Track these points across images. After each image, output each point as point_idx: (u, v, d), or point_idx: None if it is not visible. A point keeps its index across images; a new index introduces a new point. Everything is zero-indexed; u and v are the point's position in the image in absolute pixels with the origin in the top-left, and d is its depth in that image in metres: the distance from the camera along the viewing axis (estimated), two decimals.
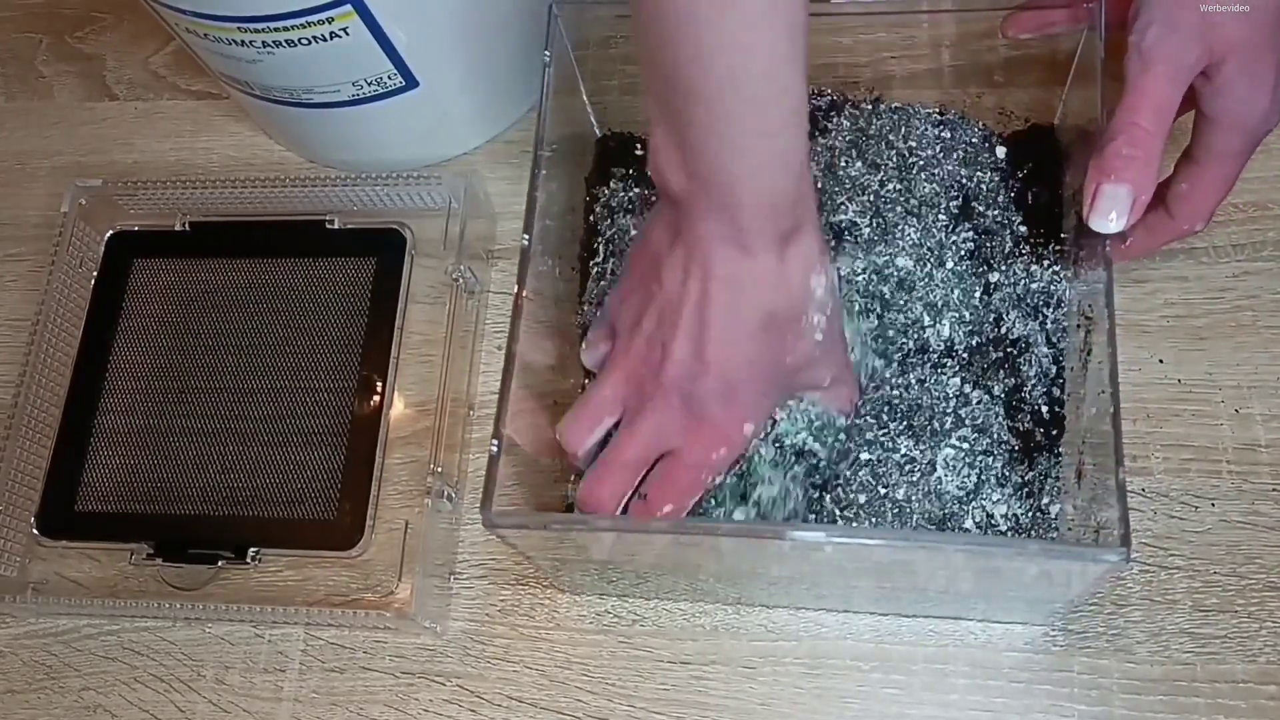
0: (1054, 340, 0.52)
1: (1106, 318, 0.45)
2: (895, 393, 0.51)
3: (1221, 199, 0.50)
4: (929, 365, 0.52)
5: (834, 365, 0.49)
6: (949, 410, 0.51)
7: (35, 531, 0.60)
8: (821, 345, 0.47)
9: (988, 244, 0.54)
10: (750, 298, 0.45)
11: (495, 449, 0.46)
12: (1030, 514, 0.50)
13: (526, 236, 0.50)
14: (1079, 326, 0.51)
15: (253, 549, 0.58)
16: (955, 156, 0.55)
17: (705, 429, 0.47)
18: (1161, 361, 0.55)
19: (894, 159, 0.55)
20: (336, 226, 0.63)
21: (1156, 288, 0.56)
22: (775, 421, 0.49)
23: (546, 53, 0.53)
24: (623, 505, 0.48)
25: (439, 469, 0.55)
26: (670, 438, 0.48)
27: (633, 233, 0.58)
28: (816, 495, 0.50)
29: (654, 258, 0.47)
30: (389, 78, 0.59)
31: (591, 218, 0.59)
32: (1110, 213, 0.46)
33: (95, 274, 0.64)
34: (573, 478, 0.52)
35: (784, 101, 0.41)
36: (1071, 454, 0.50)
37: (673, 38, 0.40)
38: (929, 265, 0.53)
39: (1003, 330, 0.52)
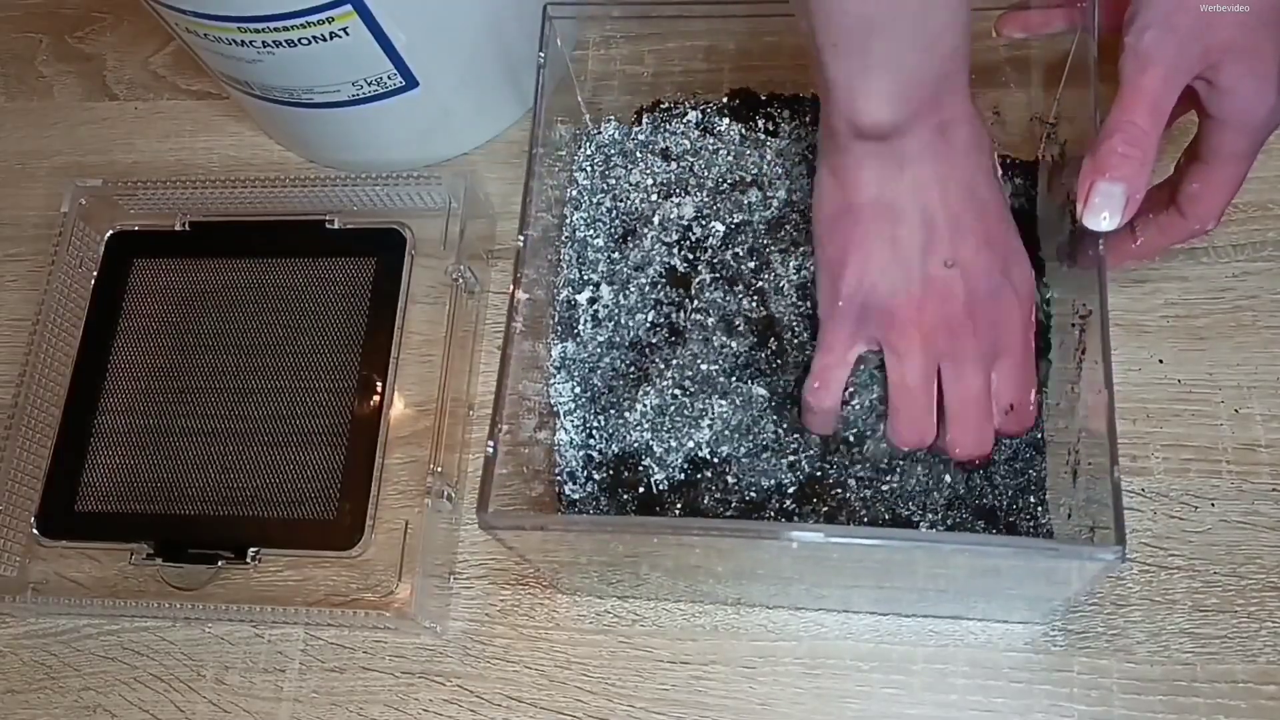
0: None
1: (1100, 317, 0.45)
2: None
3: (1232, 197, 0.50)
4: None
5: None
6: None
7: (35, 531, 0.60)
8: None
9: None
10: (977, 159, 0.47)
11: (491, 449, 0.46)
12: (1028, 513, 0.50)
13: (522, 237, 0.50)
14: (1074, 326, 0.51)
15: (253, 549, 0.58)
16: None
17: (1019, 306, 0.48)
18: (1161, 361, 0.55)
19: None
20: (336, 226, 0.63)
21: (1156, 288, 0.56)
22: None
23: (541, 54, 0.53)
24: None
25: (439, 469, 0.55)
26: (994, 352, 0.48)
27: None
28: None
29: (878, 204, 0.47)
30: (389, 78, 0.59)
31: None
32: (1104, 210, 0.46)
33: (95, 274, 0.64)
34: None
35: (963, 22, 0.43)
36: (1068, 453, 0.50)
37: None
38: None
39: None
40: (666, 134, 0.58)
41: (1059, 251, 0.53)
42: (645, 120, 0.59)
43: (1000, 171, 0.50)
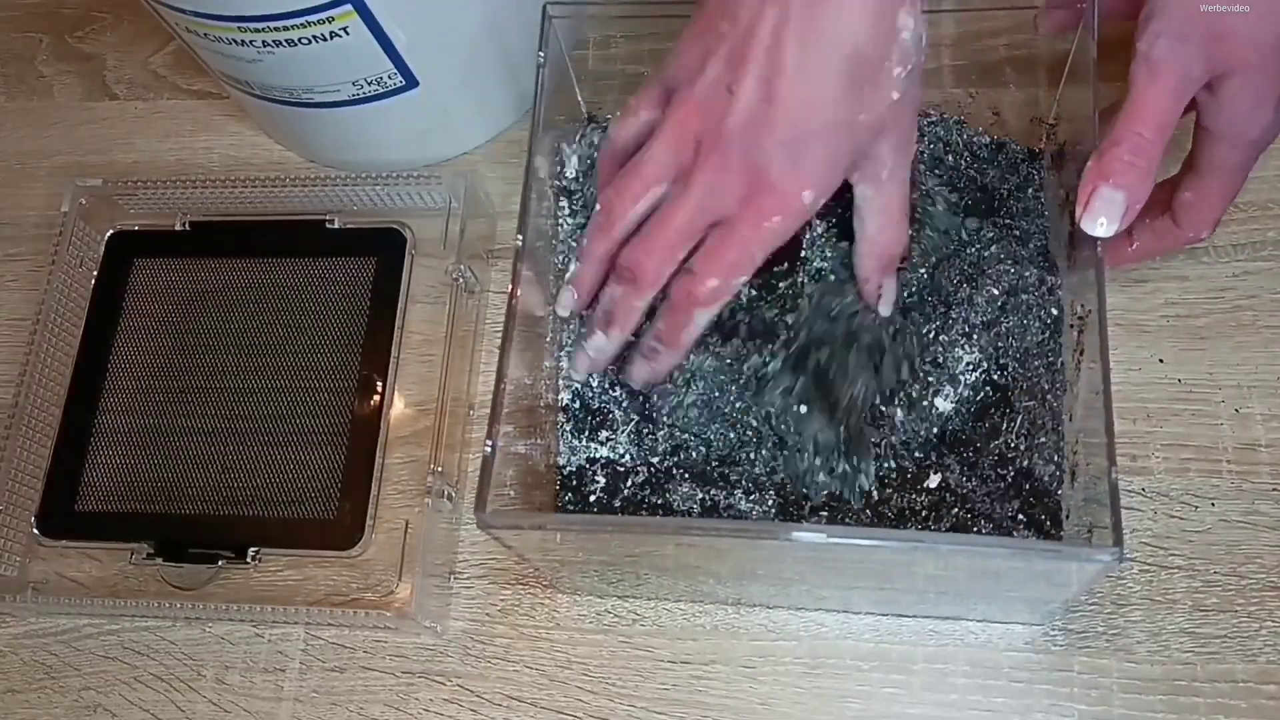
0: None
1: (1098, 318, 0.45)
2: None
3: (1225, 208, 0.50)
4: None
5: (899, 147, 0.45)
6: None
7: (35, 531, 0.60)
8: (896, 108, 0.43)
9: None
10: (834, 26, 0.41)
11: (489, 449, 0.46)
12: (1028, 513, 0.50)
13: (520, 238, 0.50)
14: (1072, 326, 0.51)
15: (253, 549, 0.58)
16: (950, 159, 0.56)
17: (763, 191, 0.43)
18: (1161, 361, 0.55)
19: None
20: (336, 226, 0.63)
21: (1156, 288, 0.56)
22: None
23: (541, 54, 0.53)
24: (667, 279, 0.45)
25: (439, 469, 0.55)
26: (724, 202, 0.44)
27: None
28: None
29: (713, 9, 0.43)
30: (389, 78, 0.59)
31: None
32: (1102, 216, 0.46)
33: (95, 274, 0.64)
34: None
35: None
36: (1066, 453, 0.50)
37: None
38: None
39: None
40: None
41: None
42: None
43: (894, 84, 0.42)
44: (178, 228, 0.65)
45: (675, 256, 0.45)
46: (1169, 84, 0.45)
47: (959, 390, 0.50)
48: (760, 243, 0.44)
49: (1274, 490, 0.52)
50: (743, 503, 0.51)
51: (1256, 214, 0.57)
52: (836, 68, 0.41)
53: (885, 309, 0.49)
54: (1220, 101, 0.46)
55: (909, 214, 0.48)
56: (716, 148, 0.43)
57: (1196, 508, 0.53)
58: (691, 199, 0.44)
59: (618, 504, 0.52)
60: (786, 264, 0.50)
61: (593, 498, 0.52)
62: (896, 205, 0.47)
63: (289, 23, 0.54)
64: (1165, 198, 0.51)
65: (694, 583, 0.53)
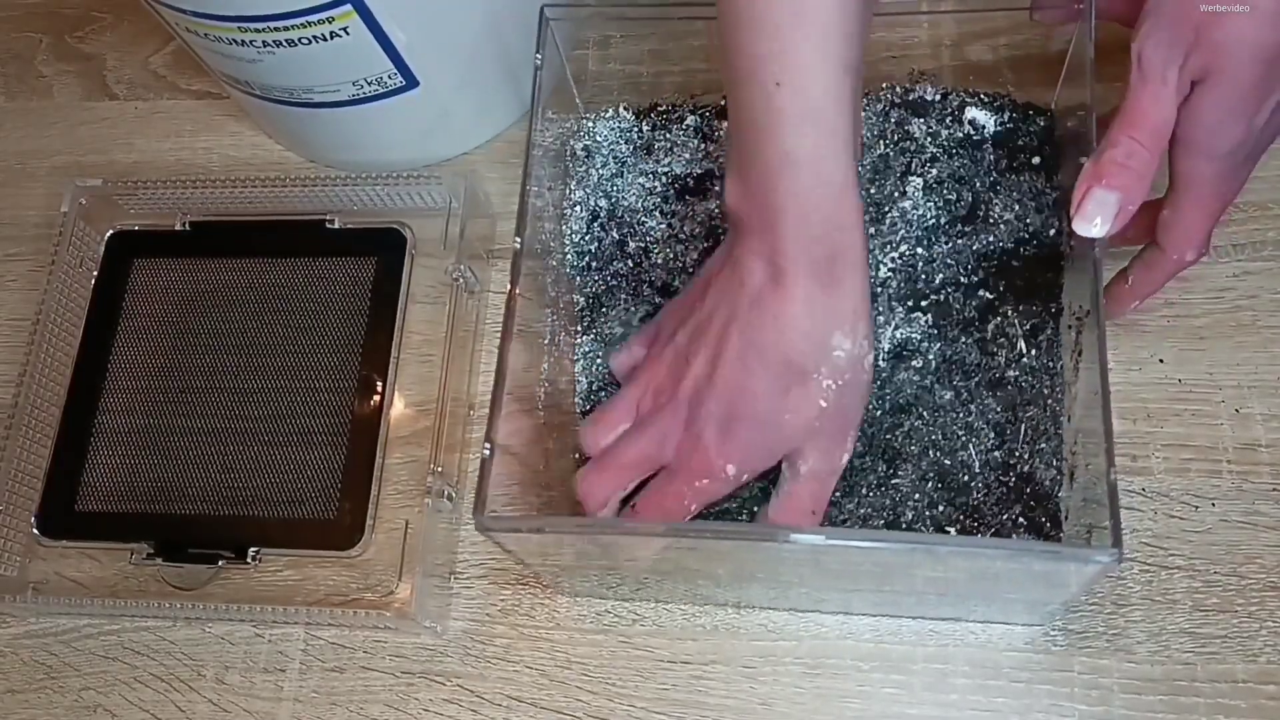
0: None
1: (1096, 318, 0.45)
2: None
3: (1206, 227, 0.49)
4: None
5: (826, 451, 0.48)
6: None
7: (35, 531, 0.60)
8: (822, 416, 0.46)
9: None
10: (769, 335, 0.45)
11: (488, 451, 0.46)
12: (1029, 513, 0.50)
13: (518, 240, 0.50)
14: (1070, 327, 0.51)
15: (253, 549, 0.58)
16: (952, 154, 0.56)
17: (697, 454, 0.47)
18: (1161, 361, 0.55)
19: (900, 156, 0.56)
20: (336, 226, 0.63)
21: None
22: None
23: (538, 55, 0.53)
24: (614, 507, 0.49)
25: (439, 469, 0.55)
26: (666, 452, 0.48)
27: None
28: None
29: (707, 278, 0.49)
30: (389, 78, 0.59)
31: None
32: (1096, 217, 0.46)
33: (95, 274, 0.64)
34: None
35: (814, 119, 0.42)
36: (1065, 454, 0.50)
37: (725, 38, 0.42)
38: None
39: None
40: (664, 139, 0.58)
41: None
42: (644, 124, 0.59)
43: (821, 393, 0.46)
44: (178, 228, 0.65)
45: (622, 484, 0.49)
46: (1157, 87, 0.45)
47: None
48: (692, 497, 0.48)
49: (1274, 490, 0.52)
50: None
51: (1256, 214, 0.57)
52: (768, 369, 0.45)
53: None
54: (1191, 110, 0.46)
55: (819, 513, 0.49)
56: (669, 405, 0.48)
57: (1196, 508, 0.53)
58: (641, 440, 0.49)
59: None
60: None
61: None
62: (803, 503, 0.49)
63: (289, 23, 0.54)
64: (1151, 224, 0.50)
65: (694, 586, 0.53)
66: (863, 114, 0.47)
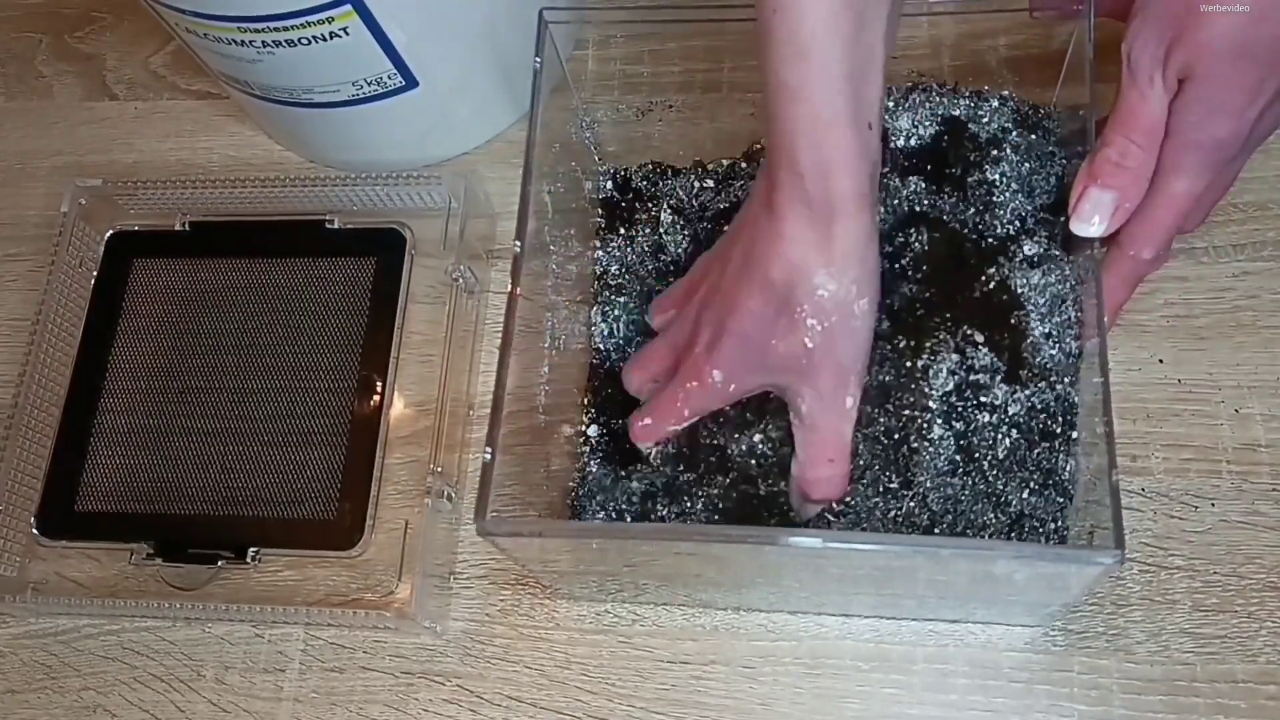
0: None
1: (1097, 319, 0.45)
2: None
3: (1171, 225, 0.49)
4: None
5: (819, 399, 0.48)
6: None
7: (35, 531, 0.60)
8: (810, 356, 0.46)
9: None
10: (763, 254, 0.46)
11: (489, 455, 0.46)
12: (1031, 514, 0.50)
13: (518, 244, 0.50)
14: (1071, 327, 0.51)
15: (253, 549, 0.58)
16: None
17: (690, 357, 0.49)
18: (1161, 361, 0.55)
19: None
20: (336, 226, 0.63)
21: (1156, 287, 0.56)
22: None
23: (536, 59, 0.53)
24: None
25: (439, 469, 0.55)
26: (679, 352, 0.50)
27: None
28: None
29: (738, 224, 0.50)
30: (389, 78, 0.59)
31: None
32: (1093, 217, 0.46)
33: (95, 274, 0.64)
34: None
35: (803, 51, 0.42)
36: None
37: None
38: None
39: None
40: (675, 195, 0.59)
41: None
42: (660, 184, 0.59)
43: (805, 331, 0.46)
44: (178, 228, 0.65)
45: (649, 378, 0.52)
46: (1146, 86, 0.46)
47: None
48: (684, 401, 0.50)
49: (1274, 490, 0.52)
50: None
51: (1256, 214, 0.57)
52: (757, 288, 0.46)
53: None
54: (1179, 107, 0.46)
55: (845, 456, 0.49)
56: (690, 310, 0.50)
57: (1196, 508, 0.53)
58: (667, 337, 0.52)
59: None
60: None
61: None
62: (819, 450, 0.49)
63: (289, 23, 0.54)
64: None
65: (694, 591, 0.53)
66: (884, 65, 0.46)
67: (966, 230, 0.52)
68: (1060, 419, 0.49)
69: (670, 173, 0.59)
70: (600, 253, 0.58)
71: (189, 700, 0.56)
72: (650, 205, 0.58)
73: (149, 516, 0.59)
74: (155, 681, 0.56)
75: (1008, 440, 0.49)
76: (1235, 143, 0.47)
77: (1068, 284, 0.50)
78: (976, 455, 0.48)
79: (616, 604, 0.55)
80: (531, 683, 0.54)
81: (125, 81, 0.73)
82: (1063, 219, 0.49)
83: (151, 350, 0.63)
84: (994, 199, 0.52)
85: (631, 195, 0.59)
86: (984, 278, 0.50)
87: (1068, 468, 0.48)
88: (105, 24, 0.75)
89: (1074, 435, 0.49)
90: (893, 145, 0.54)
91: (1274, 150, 0.58)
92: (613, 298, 0.57)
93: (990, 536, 0.48)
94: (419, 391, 0.60)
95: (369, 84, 0.59)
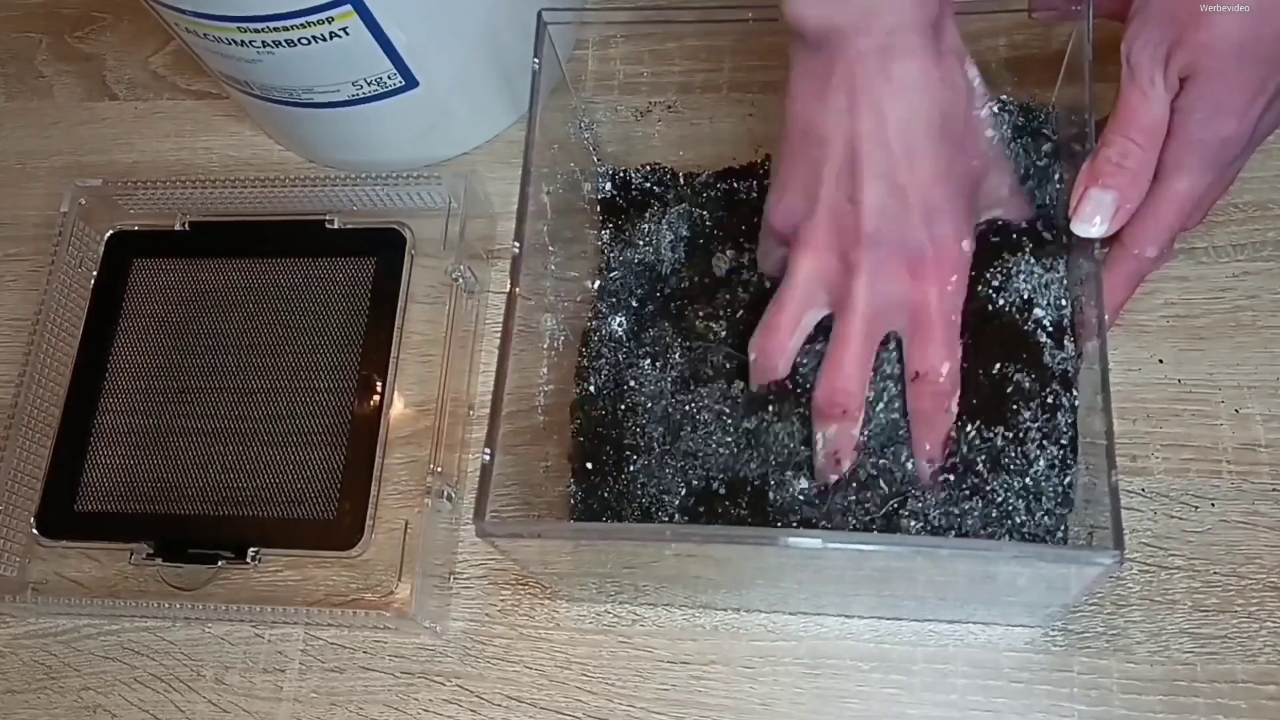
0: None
1: (1098, 320, 0.45)
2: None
3: (1174, 224, 0.49)
4: None
5: (1006, 168, 0.49)
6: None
7: (35, 531, 0.60)
8: (992, 141, 0.47)
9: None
10: (922, 102, 0.43)
11: (488, 457, 0.46)
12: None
13: (517, 245, 0.50)
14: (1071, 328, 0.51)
15: (253, 549, 0.58)
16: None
17: (929, 265, 0.45)
18: (1161, 361, 0.55)
19: None
20: (336, 226, 0.63)
21: (1156, 288, 0.56)
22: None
23: (535, 60, 0.53)
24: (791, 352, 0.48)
25: (439, 469, 0.55)
26: (891, 295, 0.46)
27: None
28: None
29: (806, 122, 0.45)
30: (389, 78, 0.59)
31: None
32: (1094, 217, 0.46)
33: (95, 274, 0.64)
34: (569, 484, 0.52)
35: None
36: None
37: None
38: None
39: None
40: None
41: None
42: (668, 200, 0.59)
43: (984, 124, 0.47)
44: (177, 228, 0.65)
45: (867, 372, 0.47)
46: (1146, 86, 0.46)
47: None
48: (954, 308, 0.47)
49: (1274, 490, 0.52)
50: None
51: (1256, 214, 0.57)
52: (936, 139, 0.44)
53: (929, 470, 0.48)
54: (1181, 106, 0.46)
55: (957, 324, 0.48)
56: (865, 255, 0.45)
57: (1196, 508, 0.53)
58: (859, 308, 0.46)
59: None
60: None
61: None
62: (1026, 204, 0.50)
63: (289, 23, 0.54)
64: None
65: (694, 592, 0.53)
66: None
67: None
68: (1060, 420, 0.49)
69: (670, 173, 0.59)
70: (600, 253, 0.58)
71: (189, 700, 0.56)
72: (650, 206, 0.58)
73: (149, 516, 0.59)
74: (155, 681, 0.56)
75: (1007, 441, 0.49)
76: (1239, 141, 0.47)
77: (1068, 285, 0.50)
78: (975, 457, 0.48)
79: (616, 604, 0.55)
80: (531, 683, 0.54)
81: (125, 81, 0.73)
82: (1064, 220, 0.49)
83: (151, 350, 0.63)
84: None
85: (631, 196, 0.59)
86: (985, 278, 0.50)
87: (1067, 476, 0.48)
88: (105, 24, 0.75)
89: (1074, 436, 0.49)
90: None
91: (1274, 150, 0.58)
92: (612, 298, 0.57)
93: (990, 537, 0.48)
94: (419, 391, 0.60)
95: (369, 84, 0.59)
